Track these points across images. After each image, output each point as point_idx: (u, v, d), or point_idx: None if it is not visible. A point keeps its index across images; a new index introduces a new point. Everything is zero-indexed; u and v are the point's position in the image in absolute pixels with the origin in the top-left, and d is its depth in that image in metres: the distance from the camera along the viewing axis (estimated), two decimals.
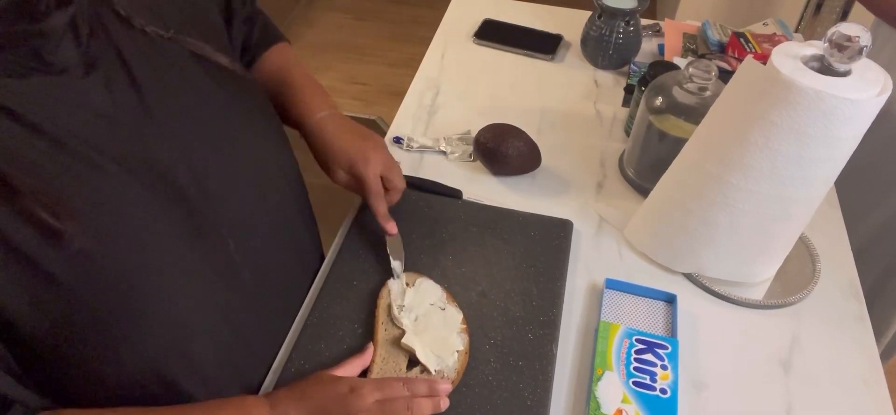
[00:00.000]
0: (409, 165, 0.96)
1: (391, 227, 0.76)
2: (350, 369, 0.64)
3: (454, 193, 0.89)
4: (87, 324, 0.48)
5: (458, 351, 0.67)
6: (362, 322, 0.72)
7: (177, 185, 0.54)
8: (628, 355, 0.69)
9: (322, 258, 0.82)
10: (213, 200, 0.57)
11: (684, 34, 1.19)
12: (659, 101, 0.85)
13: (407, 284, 0.74)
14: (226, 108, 0.61)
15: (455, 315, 0.71)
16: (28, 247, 0.44)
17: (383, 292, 0.73)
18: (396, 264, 0.74)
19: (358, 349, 0.69)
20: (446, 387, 0.62)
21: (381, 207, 0.75)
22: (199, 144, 0.57)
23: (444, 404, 0.61)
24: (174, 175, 0.53)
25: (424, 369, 0.66)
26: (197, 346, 0.57)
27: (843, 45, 0.59)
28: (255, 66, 0.79)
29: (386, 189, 0.76)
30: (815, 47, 0.63)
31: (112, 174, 0.49)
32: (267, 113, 0.69)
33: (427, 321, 0.70)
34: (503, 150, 0.89)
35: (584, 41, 1.16)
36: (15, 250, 0.43)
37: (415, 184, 0.89)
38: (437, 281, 0.75)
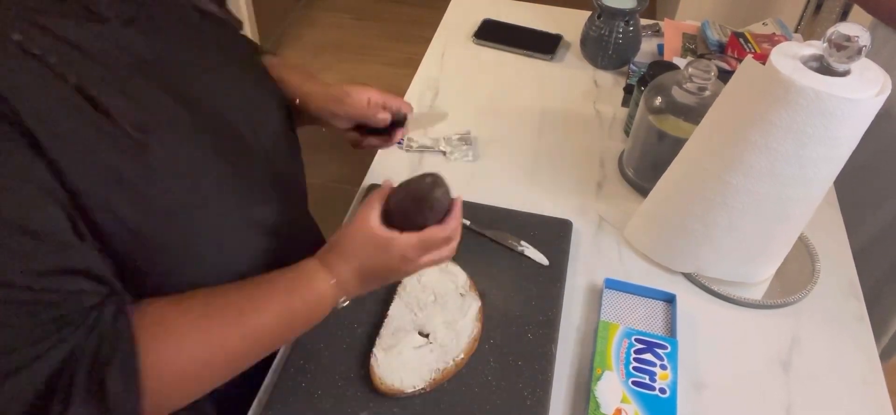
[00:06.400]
0: (409, 165, 0.96)
1: (406, 106, 0.77)
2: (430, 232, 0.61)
3: None
4: (153, 235, 0.52)
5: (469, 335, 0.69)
6: (362, 322, 0.72)
7: (223, 120, 0.59)
8: (628, 354, 0.69)
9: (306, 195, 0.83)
10: (254, 133, 0.63)
11: (684, 34, 1.19)
12: (658, 101, 0.85)
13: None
14: (225, 56, 0.64)
15: (473, 303, 0.72)
16: (115, 160, 0.49)
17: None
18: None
19: (358, 349, 0.69)
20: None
21: (392, 103, 0.75)
22: (228, 87, 0.62)
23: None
24: (217, 111, 0.59)
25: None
26: (243, 262, 0.62)
27: (842, 45, 0.59)
28: None
29: (393, 124, 0.76)
30: (815, 47, 0.63)
31: (167, 106, 0.53)
32: (256, 60, 0.72)
33: (444, 302, 0.72)
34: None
35: (584, 41, 1.16)
36: (104, 164, 0.48)
37: None
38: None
